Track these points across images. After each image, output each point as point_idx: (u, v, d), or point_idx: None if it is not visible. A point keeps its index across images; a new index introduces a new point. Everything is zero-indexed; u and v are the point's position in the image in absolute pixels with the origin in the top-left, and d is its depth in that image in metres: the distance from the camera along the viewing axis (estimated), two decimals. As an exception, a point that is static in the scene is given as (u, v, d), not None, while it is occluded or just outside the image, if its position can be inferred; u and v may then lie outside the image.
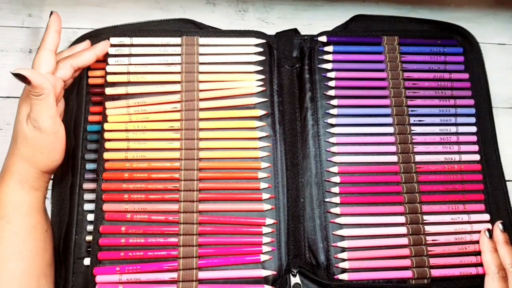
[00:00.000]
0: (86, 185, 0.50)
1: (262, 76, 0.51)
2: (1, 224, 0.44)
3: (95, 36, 0.55)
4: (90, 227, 0.49)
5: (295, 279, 0.48)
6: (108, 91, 0.50)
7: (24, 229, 0.45)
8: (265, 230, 0.47)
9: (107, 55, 0.51)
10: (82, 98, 0.53)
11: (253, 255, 0.46)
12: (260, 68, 0.51)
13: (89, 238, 0.49)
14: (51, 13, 0.47)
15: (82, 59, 0.48)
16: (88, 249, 0.49)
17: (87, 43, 0.52)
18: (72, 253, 0.49)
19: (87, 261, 0.48)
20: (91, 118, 0.52)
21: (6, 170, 0.45)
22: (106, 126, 0.49)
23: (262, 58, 0.52)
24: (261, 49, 0.52)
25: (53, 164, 0.46)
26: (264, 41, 0.53)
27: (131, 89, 0.50)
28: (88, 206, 0.50)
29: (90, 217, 0.50)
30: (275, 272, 0.46)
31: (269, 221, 0.47)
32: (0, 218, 0.44)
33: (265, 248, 0.46)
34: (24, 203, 0.45)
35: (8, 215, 0.44)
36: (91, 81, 0.53)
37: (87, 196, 0.50)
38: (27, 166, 0.45)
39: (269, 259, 0.46)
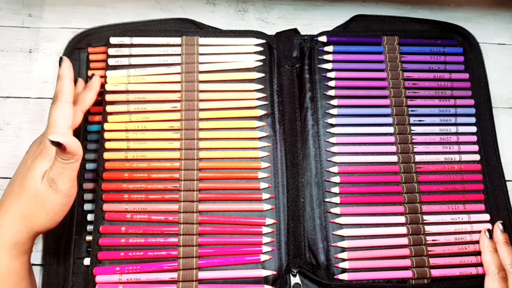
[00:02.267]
0: (86, 185, 0.50)
1: (262, 75, 0.51)
2: None
3: (94, 34, 0.55)
4: (90, 227, 0.49)
5: (295, 279, 0.48)
6: (108, 88, 0.50)
7: None
8: (265, 230, 0.47)
9: (107, 56, 0.51)
10: (82, 98, 0.53)
11: (253, 255, 0.46)
12: (261, 75, 0.52)
13: (89, 238, 0.49)
14: (61, 59, 0.44)
15: (88, 102, 0.48)
16: (88, 249, 0.49)
17: (81, 82, 0.51)
18: (72, 253, 0.49)
19: (87, 261, 0.48)
20: (91, 118, 0.52)
21: None
22: (106, 126, 0.49)
23: (262, 57, 0.52)
24: (261, 49, 0.52)
25: (51, 226, 0.43)
26: (264, 41, 0.53)
27: (131, 89, 0.50)
28: (88, 206, 0.50)
29: (90, 217, 0.50)
30: (275, 272, 0.46)
31: (269, 221, 0.47)
32: None
33: (265, 248, 0.46)
34: (14, 273, 0.42)
35: None
36: (91, 81, 0.53)
37: (87, 196, 0.50)
38: (21, 226, 0.41)
39: (269, 259, 0.46)
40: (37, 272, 0.50)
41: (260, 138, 0.49)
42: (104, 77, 0.51)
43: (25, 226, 0.41)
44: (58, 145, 0.38)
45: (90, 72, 0.53)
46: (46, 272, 0.48)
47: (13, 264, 0.42)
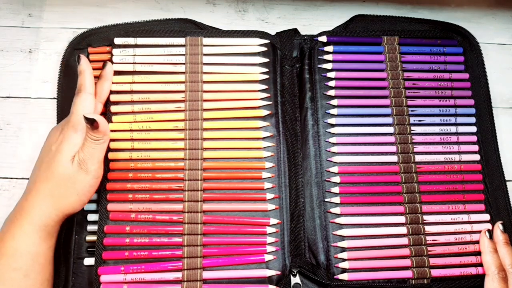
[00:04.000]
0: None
1: (266, 76, 0.51)
2: (17, 276, 0.41)
3: (94, 35, 0.55)
4: (90, 227, 0.49)
5: (295, 279, 0.49)
6: (113, 90, 0.50)
7: (39, 283, 0.43)
8: (269, 230, 0.47)
9: (111, 56, 0.51)
10: (82, 98, 0.53)
11: (257, 255, 0.46)
12: (265, 69, 0.52)
13: (89, 238, 0.49)
14: (78, 56, 0.47)
15: (106, 92, 0.49)
16: (88, 249, 0.49)
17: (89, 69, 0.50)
18: (72, 253, 0.49)
19: (87, 261, 0.48)
20: (91, 118, 0.52)
21: (22, 212, 0.43)
22: (111, 126, 0.49)
23: (266, 60, 0.52)
24: (265, 49, 0.52)
25: (79, 208, 0.45)
26: (268, 41, 0.53)
27: (136, 89, 0.50)
28: (88, 206, 0.50)
29: (90, 217, 0.50)
30: (279, 272, 0.46)
31: (273, 221, 0.47)
32: (15, 269, 0.41)
33: (269, 248, 0.46)
34: (42, 254, 0.43)
35: (25, 267, 0.42)
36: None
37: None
38: (51, 208, 0.43)
39: (273, 259, 0.46)
40: (38, 272, 0.50)
41: (264, 138, 0.49)
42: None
43: (54, 209, 0.43)
44: (91, 122, 0.42)
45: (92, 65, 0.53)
46: (47, 272, 0.48)
47: (42, 246, 0.43)
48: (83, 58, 0.47)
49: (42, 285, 0.43)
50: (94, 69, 0.53)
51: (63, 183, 0.43)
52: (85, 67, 0.47)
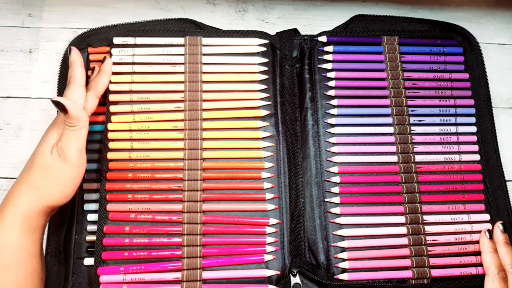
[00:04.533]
0: (86, 185, 0.50)
1: (266, 76, 0.51)
2: None
3: (94, 35, 0.55)
4: (90, 227, 0.49)
5: (295, 279, 0.49)
6: (112, 88, 0.50)
7: (21, 277, 0.42)
8: (268, 230, 0.47)
9: (110, 55, 0.51)
10: (82, 98, 0.53)
11: (257, 255, 0.46)
12: (264, 68, 0.52)
13: (89, 238, 0.49)
14: (70, 49, 0.47)
15: (102, 86, 0.48)
16: (88, 249, 0.49)
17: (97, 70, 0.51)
18: (72, 253, 0.49)
19: (87, 261, 0.48)
20: (94, 118, 0.52)
21: (8, 201, 0.42)
22: (110, 126, 0.49)
23: (265, 60, 0.52)
24: (264, 49, 0.52)
25: (63, 200, 0.44)
26: (268, 41, 0.53)
27: (135, 89, 0.50)
28: (88, 206, 0.50)
29: (90, 217, 0.50)
30: (279, 272, 0.46)
31: (272, 221, 0.47)
32: None
33: (269, 248, 0.46)
34: (24, 248, 0.42)
35: (5, 260, 0.41)
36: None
37: (87, 196, 0.50)
38: (33, 199, 0.42)
39: (273, 259, 0.46)
40: (37, 272, 0.50)
41: (263, 138, 0.49)
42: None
43: (36, 199, 0.42)
44: (60, 106, 0.41)
45: (92, 65, 0.54)
46: (46, 272, 0.48)
47: (25, 239, 0.42)
48: (73, 49, 0.47)
49: (25, 279, 0.42)
50: (93, 68, 0.53)
51: (44, 173, 0.43)
52: (75, 58, 0.46)
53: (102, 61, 0.50)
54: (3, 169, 0.53)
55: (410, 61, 0.54)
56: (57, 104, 0.41)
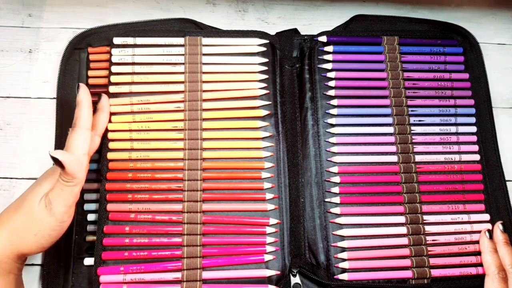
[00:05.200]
0: (86, 185, 0.50)
1: (266, 76, 0.51)
2: None
3: (94, 34, 0.55)
4: (90, 227, 0.49)
5: (295, 279, 0.49)
6: (112, 89, 0.50)
7: None
8: (268, 230, 0.47)
9: (110, 56, 0.51)
10: (82, 98, 0.53)
11: (257, 255, 0.46)
12: (264, 68, 0.52)
13: (89, 238, 0.49)
14: (78, 85, 0.44)
15: (103, 124, 0.47)
16: (88, 249, 0.49)
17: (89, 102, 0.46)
18: (72, 253, 0.49)
19: (87, 261, 0.48)
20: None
21: None
22: (110, 126, 0.49)
23: (265, 60, 0.52)
24: (264, 49, 0.52)
25: (37, 251, 0.42)
26: (268, 41, 0.53)
27: (135, 89, 0.50)
28: (88, 206, 0.50)
29: (90, 217, 0.50)
30: (279, 272, 0.46)
31: (272, 221, 0.47)
32: None
33: (268, 248, 0.46)
34: None
35: None
36: (91, 81, 0.53)
37: (87, 196, 0.50)
38: (6, 243, 0.40)
39: (273, 259, 0.46)
40: (37, 272, 0.50)
41: (263, 138, 0.49)
42: (107, 77, 0.51)
43: (10, 244, 0.40)
44: (58, 162, 0.39)
45: (90, 72, 0.53)
46: (46, 272, 0.48)
47: None
48: (82, 87, 0.44)
49: None
50: (94, 69, 0.53)
51: (26, 220, 0.40)
52: (83, 97, 0.43)
53: (98, 99, 0.48)
54: (3, 169, 0.53)
55: (410, 61, 0.54)
56: (54, 159, 0.39)
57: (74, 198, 0.41)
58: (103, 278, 0.44)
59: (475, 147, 0.52)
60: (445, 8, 0.63)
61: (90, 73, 0.53)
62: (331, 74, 0.52)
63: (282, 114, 0.52)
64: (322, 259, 0.48)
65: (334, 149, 0.50)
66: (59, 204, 0.40)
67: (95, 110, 0.47)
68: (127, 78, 0.50)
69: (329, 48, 0.53)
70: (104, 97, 0.48)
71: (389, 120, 0.52)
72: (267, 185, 0.48)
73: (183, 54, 0.51)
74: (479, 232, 0.49)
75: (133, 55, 0.51)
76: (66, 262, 0.49)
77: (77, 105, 0.43)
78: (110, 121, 0.49)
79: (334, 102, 0.52)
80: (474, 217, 0.50)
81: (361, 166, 0.50)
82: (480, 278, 0.47)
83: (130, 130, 0.49)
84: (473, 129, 0.53)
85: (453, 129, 0.52)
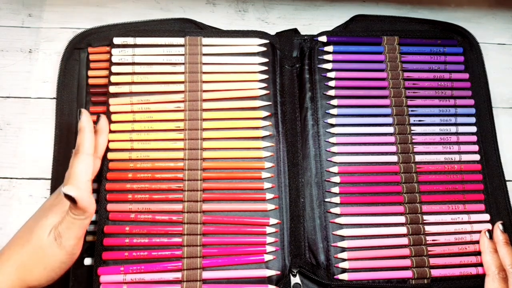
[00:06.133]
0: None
1: (266, 76, 0.51)
2: None
3: (94, 34, 0.55)
4: (90, 227, 0.49)
5: (295, 279, 0.49)
6: (112, 89, 0.50)
7: None
8: (268, 230, 0.47)
9: (110, 56, 0.51)
10: (82, 98, 0.53)
11: (257, 255, 0.46)
12: (264, 68, 0.52)
13: (89, 238, 0.49)
14: (80, 111, 0.44)
15: (103, 146, 0.47)
16: (89, 249, 0.49)
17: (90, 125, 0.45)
18: (72, 253, 0.49)
19: (87, 261, 0.48)
20: (92, 118, 0.52)
21: None
22: (110, 126, 0.49)
23: (265, 60, 0.52)
24: (264, 49, 0.52)
25: (46, 283, 0.41)
26: (268, 41, 0.53)
27: (135, 89, 0.50)
28: (88, 206, 0.50)
29: (91, 217, 0.50)
30: (279, 272, 0.46)
31: (272, 221, 0.47)
32: None
33: (269, 248, 0.46)
34: None
35: None
36: (91, 81, 0.53)
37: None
38: (15, 278, 0.39)
39: (273, 259, 0.46)
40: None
41: (263, 138, 0.49)
42: (108, 77, 0.51)
43: (18, 278, 0.40)
44: (70, 198, 0.38)
45: (90, 72, 0.53)
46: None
47: None
48: (84, 113, 0.43)
49: None
50: (94, 68, 0.53)
51: (35, 254, 0.40)
52: (85, 124, 0.43)
53: (96, 120, 0.47)
54: (3, 169, 0.53)
55: (410, 61, 0.54)
56: (68, 197, 0.38)
57: (84, 230, 0.41)
58: (103, 278, 0.44)
59: (475, 147, 0.52)
60: (445, 8, 0.63)
61: (90, 73, 0.53)
62: (331, 74, 0.52)
63: (282, 114, 0.52)
64: (322, 259, 0.48)
65: (334, 149, 0.50)
66: (70, 237, 0.40)
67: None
68: (127, 78, 0.50)
69: (329, 48, 0.53)
70: (103, 118, 0.48)
71: (389, 120, 0.52)
72: (267, 185, 0.48)
73: (183, 54, 0.51)
74: (479, 232, 0.49)
75: (133, 55, 0.51)
76: (66, 262, 0.49)
77: (79, 130, 0.43)
78: (110, 121, 0.49)
79: (334, 102, 0.52)
80: (474, 217, 0.50)
81: (361, 166, 0.50)
82: (480, 278, 0.47)
83: (130, 131, 0.49)
84: (473, 129, 0.53)
85: (453, 129, 0.52)
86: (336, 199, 0.49)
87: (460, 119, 0.53)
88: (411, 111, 0.52)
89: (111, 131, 0.49)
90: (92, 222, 0.49)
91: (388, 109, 0.52)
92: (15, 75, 0.56)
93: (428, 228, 0.49)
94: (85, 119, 0.43)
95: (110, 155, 0.48)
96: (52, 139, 0.52)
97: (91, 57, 0.54)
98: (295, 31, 0.56)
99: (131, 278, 0.44)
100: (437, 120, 0.52)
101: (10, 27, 0.58)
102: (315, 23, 0.61)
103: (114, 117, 0.49)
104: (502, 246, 0.47)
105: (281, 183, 0.49)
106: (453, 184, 0.51)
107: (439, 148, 0.52)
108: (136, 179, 0.47)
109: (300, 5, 0.62)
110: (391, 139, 0.51)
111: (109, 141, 0.48)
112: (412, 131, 0.52)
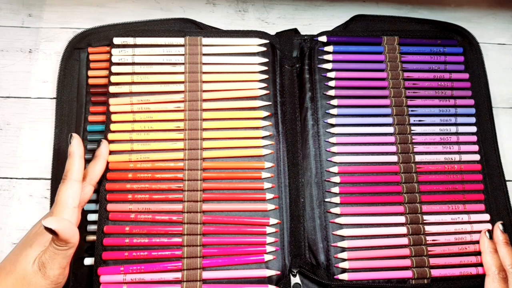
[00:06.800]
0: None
1: (266, 76, 0.51)
2: None
3: (94, 34, 0.55)
4: (90, 227, 0.49)
5: (295, 279, 0.49)
6: (112, 89, 0.50)
7: None
8: (268, 230, 0.47)
9: (110, 56, 0.51)
10: (82, 98, 0.53)
11: (257, 255, 0.46)
12: (264, 68, 0.52)
13: (89, 238, 0.49)
14: (71, 135, 0.43)
15: (97, 174, 0.46)
16: (89, 249, 0.49)
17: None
18: (72, 253, 0.49)
19: (87, 261, 0.48)
20: (91, 118, 0.52)
21: None
22: (110, 126, 0.49)
23: (265, 60, 0.52)
24: (264, 49, 0.52)
25: None
26: (268, 41, 0.53)
27: (135, 89, 0.50)
28: (88, 206, 0.50)
29: (90, 217, 0.49)
30: (279, 272, 0.46)
31: (272, 221, 0.47)
32: None
33: (269, 248, 0.46)
34: None
35: None
36: (91, 81, 0.53)
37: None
38: None
39: (273, 259, 0.46)
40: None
41: (263, 138, 0.49)
42: (107, 77, 0.51)
43: None
44: (51, 231, 0.37)
45: (90, 72, 0.53)
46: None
47: None
48: (75, 138, 0.43)
49: None
50: (94, 69, 0.53)
51: (19, 283, 0.39)
52: (75, 149, 0.42)
53: (98, 145, 0.47)
54: (3, 169, 0.53)
55: (410, 61, 0.54)
56: (48, 229, 0.37)
57: (68, 260, 0.40)
58: (103, 278, 0.44)
59: (475, 147, 0.52)
60: (445, 8, 0.63)
61: (90, 73, 0.53)
62: (331, 74, 0.52)
63: (282, 114, 0.52)
64: (322, 259, 0.48)
65: (334, 149, 0.50)
66: (53, 267, 0.39)
67: (91, 159, 0.47)
68: (127, 78, 0.50)
69: (329, 48, 0.53)
70: (104, 143, 0.47)
71: (389, 120, 0.52)
72: (267, 185, 0.48)
73: (183, 54, 0.51)
74: (479, 232, 0.49)
75: (133, 55, 0.51)
76: (66, 262, 0.49)
77: (68, 156, 0.43)
78: (110, 121, 0.49)
79: (334, 102, 0.52)
80: (474, 217, 0.50)
81: (361, 166, 0.50)
82: (480, 278, 0.47)
83: (130, 131, 0.49)
84: (473, 129, 0.53)
85: (453, 129, 0.52)
86: (336, 199, 0.49)
87: (460, 119, 0.53)
88: (411, 111, 0.52)
89: (111, 131, 0.49)
90: (92, 222, 0.49)
91: (388, 109, 0.52)
92: (15, 75, 0.56)
93: (428, 228, 0.49)
94: (76, 144, 0.43)
95: (110, 157, 0.48)
96: (52, 139, 0.52)
97: (91, 57, 0.54)
98: (295, 31, 0.56)
99: (131, 278, 0.44)
100: (437, 120, 0.52)
101: (10, 27, 0.58)
102: (315, 23, 0.61)
103: (114, 117, 0.49)
104: (502, 246, 0.47)
105: (281, 183, 0.49)
106: (453, 184, 0.51)
107: (439, 148, 0.52)
108: (136, 179, 0.47)
109: (300, 5, 0.62)
110: (391, 139, 0.51)
111: (109, 141, 0.48)
112: (412, 131, 0.52)
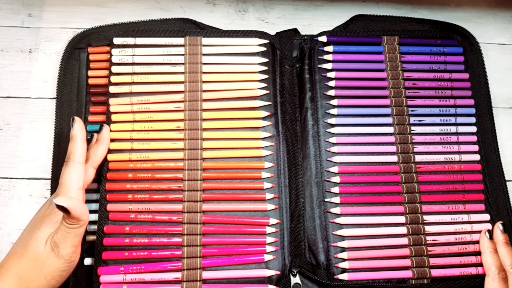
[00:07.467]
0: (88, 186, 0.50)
1: (266, 76, 0.51)
2: None
3: (94, 34, 0.55)
4: (90, 227, 0.49)
5: (295, 279, 0.49)
6: (112, 89, 0.50)
7: None
8: (268, 230, 0.47)
9: (110, 56, 0.51)
10: (82, 98, 0.53)
11: (257, 255, 0.46)
12: (264, 68, 0.52)
13: (89, 238, 0.49)
14: (73, 119, 0.44)
15: (99, 157, 0.47)
16: (89, 249, 0.49)
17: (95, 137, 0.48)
18: (72, 253, 0.49)
19: (87, 261, 0.48)
20: (91, 118, 0.52)
21: None
22: (110, 126, 0.49)
23: (265, 60, 0.52)
24: (264, 49, 0.52)
25: None
26: (268, 41, 0.53)
27: (135, 89, 0.50)
28: (88, 206, 0.50)
29: (90, 217, 0.49)
30: (279, 272, 0.46)
31: (272, 221, 0.47)
32: None
33: (269, 248, 0.46)
34: None
35: None
36: (91, 81, 0.53)
37: (87, 196, 0.50)
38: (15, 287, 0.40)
39: (273, 259, 0.46)
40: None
41: (263, 138, 0.49)
42: (108, 77, 0.51)
43: None
44: (63, 209, 0.38)
45: (90, 72, 0.53)
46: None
47: None
48: (77, 121, 0.44)
49: None
50: (94, 68, 0.53)
51: (33, 264, 0.40)
52: (77, 132, 0.43)
53: (99, 129, 0.48)
54: (3, 169, 0.53)
55: (410, 61, 0.54)
56: (60, 207, 0.38)
57: (80, 238, 0.41)
58: (103, 278, 0.44)
59: (475, 147, 0.52)
60: (445, 8, 0.63)
61: (90, 73, 0.53)
62: (331, 74, 0.52)
63: (282, 114, 0.52)
64: (322, 259, 0.48)
65: (334, 149, 0.50)
66: (66, 246, 0.40)
67: (89, 142, 0.47)
68: (127, 78, 0.50)
69: (329, 48, 0.53)
70: (105, 128, 0.48)
71: (389, 120, 0.52)
72: (267, 185, 0.48)
73: (183, 54, 0.51)
74: (479, 232, 0.49)
75: (133, 55, 0.51)
76: (66, 262, 0.49)
77: (71, 138, 0.43)
78: (110, 121, 0.49)
79: (334, 102, 0.52)
80: (474, 217, 0.50)
81: (361, 166, 0.50)
82: (480, 278, 0.47)
83: (130, 130, 0.49)
84: (473, 129, 0.53)
85: (453, 129, 0.52)
86: (336, 199, 0.49)
87: (460, 119, 0.53)
88: (411, 111, 0.52)
89: (111, 131, 0.49)
90: (92, 222, 0.49)
91: (388, 109, 0.52)
92: (15, 75, 0.56)
93: (428, 228, 0.49)
94: (78, 127, 0.43)
95: (110, 156, 0.48)
96: (52, 139, 0.52)
97: (91, 57, 0.54)
98: (295, 31, 0.56)
99: (131, 278, 0.44)
100: (437, 120, 0.52)
101: (10, 27, 0.58)
102: (315, 23, 0.61)
103: (114, 117, 0.49)
104: (502, 246, 0.47)
105: (281, 183, 0.49)
106: (453, 184, 0.51)
107: (439, 148, 0.52)
108: (136, 179, 0.47)
109: (300, 5, 0.62)
110: (391, 139, 0.51)
111: (110, 141, 0.48)
112: (412, 131, 0.52)
